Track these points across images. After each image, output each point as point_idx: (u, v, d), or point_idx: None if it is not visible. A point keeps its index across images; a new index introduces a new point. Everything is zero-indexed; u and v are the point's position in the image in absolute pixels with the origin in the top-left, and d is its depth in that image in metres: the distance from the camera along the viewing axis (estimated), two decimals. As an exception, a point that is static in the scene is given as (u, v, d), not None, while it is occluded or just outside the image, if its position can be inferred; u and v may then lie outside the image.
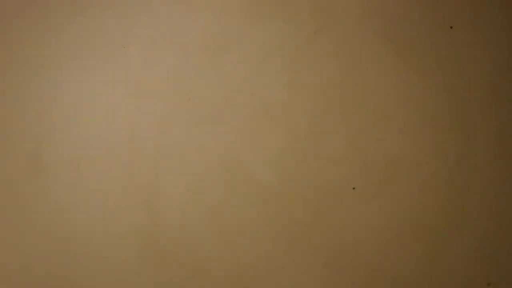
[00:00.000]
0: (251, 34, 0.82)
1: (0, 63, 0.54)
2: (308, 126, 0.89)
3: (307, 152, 0.88)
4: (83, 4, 0.52)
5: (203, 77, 0.80)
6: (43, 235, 0.67)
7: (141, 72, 0.51)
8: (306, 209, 0.85)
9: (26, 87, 0.52)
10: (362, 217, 0.84)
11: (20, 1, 0.53)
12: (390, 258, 0.81)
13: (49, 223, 0.56)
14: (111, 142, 0.52)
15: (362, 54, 0.90)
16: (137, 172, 0.50)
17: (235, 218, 0.81)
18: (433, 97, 0.87)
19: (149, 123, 0.51)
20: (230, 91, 0.84)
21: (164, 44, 0.65)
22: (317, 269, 0.81)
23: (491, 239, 0.81)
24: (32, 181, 0.50)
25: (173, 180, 0.74)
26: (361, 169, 0.87)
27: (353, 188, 0.86)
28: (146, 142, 0.51)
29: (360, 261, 0.81)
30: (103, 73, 0.52)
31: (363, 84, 0.90)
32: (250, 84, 0.86)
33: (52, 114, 0.52)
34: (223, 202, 0.81)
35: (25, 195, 0.52)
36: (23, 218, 0.53)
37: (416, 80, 0.89)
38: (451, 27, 0.86)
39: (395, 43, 0.89)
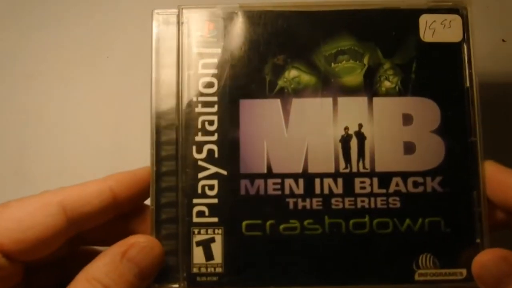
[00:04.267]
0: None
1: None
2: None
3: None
4: (67, 13, 0.54)
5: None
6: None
7: (125, 81, 0.52)
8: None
9: (8, 96, 0.53)
10: None
11: (1, 11, 0.55)
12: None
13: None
14: (94, 151, 0.52)
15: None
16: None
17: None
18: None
19: (132, 132, 0.51)
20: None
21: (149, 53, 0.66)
22: None
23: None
24: (15, 190, 0.49)
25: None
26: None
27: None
28: (129, 152, 0.51)
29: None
30: (86, 82, 0.53)
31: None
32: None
33: (35, 123, 0.52)
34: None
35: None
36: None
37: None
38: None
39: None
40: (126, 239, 0.36)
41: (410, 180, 0.37)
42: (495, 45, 0.52)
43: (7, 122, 0.52)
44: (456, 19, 0.38)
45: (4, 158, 0.52)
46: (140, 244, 0.35)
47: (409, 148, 0.37)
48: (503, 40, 0.52)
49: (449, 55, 0.38)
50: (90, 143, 0.52)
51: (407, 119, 0.38)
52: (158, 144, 0.38)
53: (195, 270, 0.37)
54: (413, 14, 0.38)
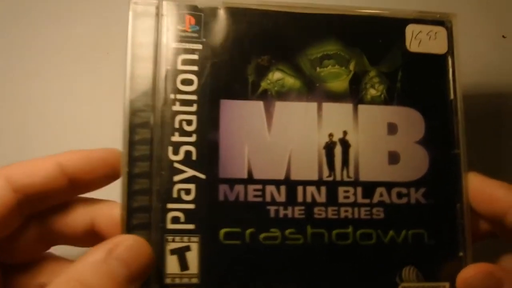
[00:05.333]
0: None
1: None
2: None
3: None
4: (67, 10, 0.52)
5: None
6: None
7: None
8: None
9: (8, 94, 0.50)
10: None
11: (1, 8, 0.52)
12: None
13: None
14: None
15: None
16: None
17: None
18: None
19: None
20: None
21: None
22: None
23: None
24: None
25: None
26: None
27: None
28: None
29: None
30: (86, 80, 0.50)
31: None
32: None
33: (35, 121, 0.50)
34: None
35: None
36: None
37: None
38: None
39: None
40: (112, 238, 0.33)
41: (394, 191, 0.36)
42: (495, 41, 0.53)
43: (7, 121, 0.50)
44: (441, 31, 0.38)
45: (4, 157, 0.49)
46: (127, 242, 0.32)
47: (393, 158, 0.37)
48: (503, 36, 0.53)
49: (434, 66, 0.38)
50: (90, 141, 0.49)
51: (391, 128, 0.37)
52: (131, 144, 0.35)
53: (168, 280, 0.34)
54: (400, 24, 0.38)
